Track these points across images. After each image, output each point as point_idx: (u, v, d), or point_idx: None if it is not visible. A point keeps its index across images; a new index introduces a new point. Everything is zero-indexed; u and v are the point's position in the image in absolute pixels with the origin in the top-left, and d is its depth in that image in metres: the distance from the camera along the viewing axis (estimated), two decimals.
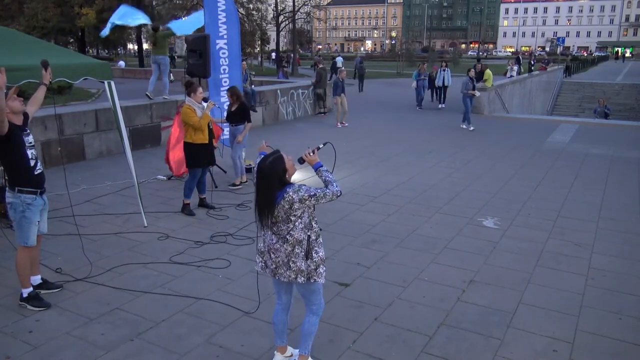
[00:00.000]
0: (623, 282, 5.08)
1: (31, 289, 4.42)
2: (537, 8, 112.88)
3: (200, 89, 6.76)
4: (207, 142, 6.83)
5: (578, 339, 4.08)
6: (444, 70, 18.85)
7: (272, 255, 3.32)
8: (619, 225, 6.69)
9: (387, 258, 5.58)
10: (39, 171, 4.31)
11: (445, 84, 18.82)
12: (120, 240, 5.95)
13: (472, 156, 10.74)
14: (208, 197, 7.17)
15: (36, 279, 4.61)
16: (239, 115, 7.96)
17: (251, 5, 39.55)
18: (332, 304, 4.52)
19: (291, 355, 3.68)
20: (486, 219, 6.85)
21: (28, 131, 4.32)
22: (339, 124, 14.36)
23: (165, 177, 8.52)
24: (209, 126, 6.88)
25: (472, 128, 14.01)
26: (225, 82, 8.75)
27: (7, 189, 4.30)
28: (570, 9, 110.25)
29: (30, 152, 4.24)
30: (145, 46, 45.59)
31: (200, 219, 6.72)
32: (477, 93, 14.63)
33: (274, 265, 3.34)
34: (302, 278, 3.29)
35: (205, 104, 6.83)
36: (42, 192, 4.35)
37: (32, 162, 4.24)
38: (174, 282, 4.92)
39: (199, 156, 6.80)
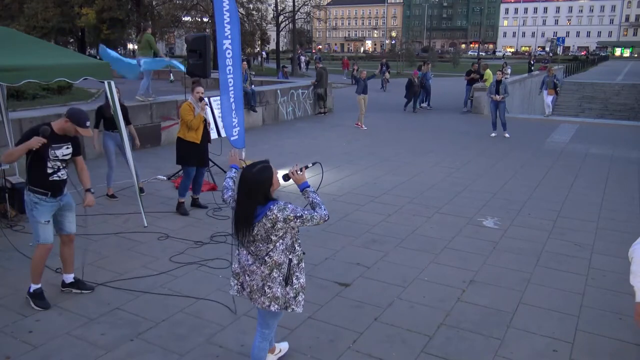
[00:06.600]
0: (623, 282, 5.06)
1: (39, 286, 4.41)
2: (537, 8, 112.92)
3: (198, 89, 6.66)
4: (198, 142, 6.71)
5: (578, 339, 4.08)
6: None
7: (248, 277, 3.08)
8: (619, 225, 6.69)
9: (387, 258, 5.58)
10: (55, 178, 4.29)
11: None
12: (120, 240, 5.95)
13: (472, 156, 10.74)
14: (208, 198, 7.16)
15: (68, 278, 4.64)
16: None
17: (251, 5, 39.59)
18: (332, 304, 4.53)
19: (280, 351, 3.72)
20: (486, 219, 6.86)
21: (65, 146, 4.30)
22: (360, 124, 14.29)
23: (165, 177, 8.52)
24: (205, 128, 6.81)
25: (493, 134, 13.06)
26: (230, 82, 8.66)
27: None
28: (570, 9, 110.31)
29: (51, 164, 4.24)
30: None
31: (200, 218, 6.72)
32: (499, 97, 12.77)
33: (249, 289, 3.12)
34: (276, 306, 3.03)
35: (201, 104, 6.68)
36: (54, 195, 4.33)
37: (50, 171, 4.25)
38: (174, 282, 4.92)
39: (187, 154, 6.71)
